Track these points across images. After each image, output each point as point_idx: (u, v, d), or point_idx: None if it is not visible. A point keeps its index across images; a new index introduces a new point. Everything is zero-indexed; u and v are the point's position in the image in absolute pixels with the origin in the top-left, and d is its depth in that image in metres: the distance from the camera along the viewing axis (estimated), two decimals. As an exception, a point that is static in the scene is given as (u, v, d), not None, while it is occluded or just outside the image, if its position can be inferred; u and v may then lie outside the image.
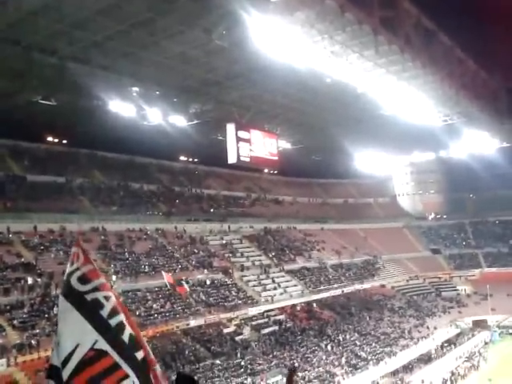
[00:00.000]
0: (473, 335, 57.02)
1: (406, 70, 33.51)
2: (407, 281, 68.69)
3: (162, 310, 35.74)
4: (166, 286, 37.60)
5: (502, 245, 73.65)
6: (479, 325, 60.16)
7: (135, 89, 36.57)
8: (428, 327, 55.54)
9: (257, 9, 22.84)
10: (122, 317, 3.59)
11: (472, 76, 43.10)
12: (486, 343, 54.53)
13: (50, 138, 48.97)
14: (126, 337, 3.54)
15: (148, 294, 36.87)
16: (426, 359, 48.09)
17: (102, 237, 40.88)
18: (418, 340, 51.04)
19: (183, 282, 37.96)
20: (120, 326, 3.55)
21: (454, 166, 73.30)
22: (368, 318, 54.41)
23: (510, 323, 59.54)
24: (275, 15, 23.70)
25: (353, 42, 28.87)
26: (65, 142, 49.82)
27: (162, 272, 37.86)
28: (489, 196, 78.75)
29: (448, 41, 36.46)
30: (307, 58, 29.27)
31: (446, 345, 52.71)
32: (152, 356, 3.63)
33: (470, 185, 78.96)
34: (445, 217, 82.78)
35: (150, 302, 35.88)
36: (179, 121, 42.77)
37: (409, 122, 46.39)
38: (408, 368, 44.97)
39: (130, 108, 38.80)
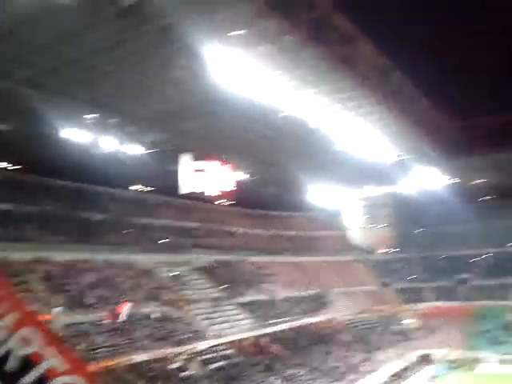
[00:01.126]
0: (419, 369, 57.46)
1: (361, 106, 34.29)
2: (357, 314, 68.89)
3: (106, 344, 34.21)
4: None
5: (448, 279, 75.31)
6: (425, 359, 60.78)
7: (90, 116, 35.73)
8: (375, 361, 55.63)
9: (216, 42, 22.73)
10: None
11: (424, 113, 44.56)
12: (431, 377, 55.06)
13: (-1, 164, 47.08)
14: None
15: (92, 327, 35.28)
16: (374, 394, 47.97)
17: (47, 267, 39.09)
18: (366, 374, 50.93)
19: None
20: None
21: (404, 201, 75.12)
22: (317, 352, 53.99)
23: (455, 357, 60.50)
24: (235, 48, 23.67)
25: (311, 78, 29.25)
26: (13, 167, 47.94)
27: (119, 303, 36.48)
28: (437, 231, 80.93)
29: (402, 78, 37.65)
30: (266, 91, 29.39)
31: (393, 379, 52.78)
32: None
33: (420, 220, 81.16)
34: (394, 251, 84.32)
35: (93, 336, 34.30)
36: (133, 149, 42.00)
37: (361, 157, 47.26)
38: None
39: (83, 135, 37.84)
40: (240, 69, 25.53)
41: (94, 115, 35.64)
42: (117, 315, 36.10)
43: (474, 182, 68.06)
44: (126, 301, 37.06)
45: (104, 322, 36.40)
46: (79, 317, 35.54)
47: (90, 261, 43.27)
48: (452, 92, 46.98)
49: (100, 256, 44.67)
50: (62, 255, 41.30)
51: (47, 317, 33.21)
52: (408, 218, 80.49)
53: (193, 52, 23.99)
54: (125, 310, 36.31)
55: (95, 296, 38.66)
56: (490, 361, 58.59)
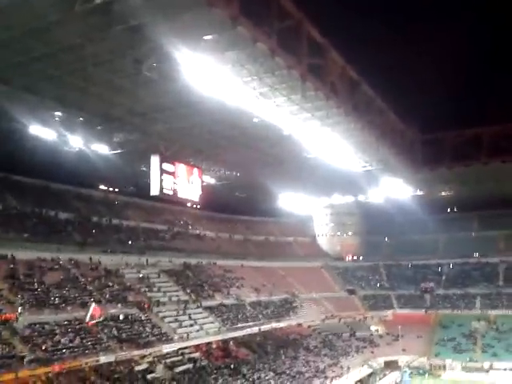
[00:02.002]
0: (384, 375, 58.47)
1: (329, 117, 34.85)
2: (323, 320, 69.62)
3: (71, 344, 33.80)
4: (77, 320, 35.88)
5: (413, 287, 77.00)
6: (390, 365, 61.86)
7: (58, 113, 35.41)
8: (342, 367, 56.35)
9: (187, 46, 22.99)
10: None
11: (391, 126, 45.59)
12: (396, 383, 55.95)
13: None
14: None
15: (56, 327, 34.86)
16: (338, 399, 48.58)
17: (11, 265, 38.53)
18: (332, 379, 51.55)
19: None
20: None
21: (372, 210, 76.46)
22: (284, 357, 54.45)
23: (420, 364, 61.72)
24: (206, 53, 23.96)
25: (281, 86, 29.72)
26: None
27: (93, 304, 36.19)
28: (402, 240, 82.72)
29: (370, 91, 38.49)
30: (236, 96, 29.75)
31: (359, 384, 53.64)
32: None
33: (386, 229, 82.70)
34: (361, 258, 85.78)
35: (57, 336, 33.89)
36: (102, 149, 41.77)
37: (330, 165, 47.96)
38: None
39: (50, 132, 37.48)
40: (211, 73, 25.80)
41: (62, 113, 35.31)
42: (92, 317, 35.84)
43: (438, 194, 69.68)
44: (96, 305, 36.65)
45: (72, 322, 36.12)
46: (44, 316, 35.13)
47: (55, 260, 42.82)
48: (419, 106, 48.29)
49: (65, 255, 44.22)
50: (26, 253, 40.74)
51: (10, 316, 32.85)
52: (375, 227, 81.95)
53: (164, 54, 24.15)
54: (98, 313, 36.08)
55: (60, 296, 38.25)
56: (455, 368, 60.01)
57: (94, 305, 36.05)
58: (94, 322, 36.05)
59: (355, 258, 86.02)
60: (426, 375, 59.79)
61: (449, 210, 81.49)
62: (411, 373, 59.61)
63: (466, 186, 63.93)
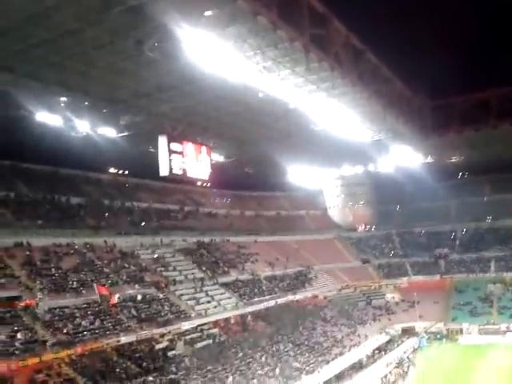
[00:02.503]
0: (402, 342, 58.92)
1: (335, 87, 34.52)
2: (339, 290, 70.20)
3: (92, 326, 34.37)
4: (96, 302, 36.48)
5: (427, 254, 77.04)
6: (408, 331, 62.38)
7: (63, 99, 35.39)
8: (359, 335, 56.94)
9: (189, 22, 22.78)
10: None
11: (398, 94, 45.08)
12: (414, 349, 56.42)
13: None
14: None
15: (76, 310, 35.42)
16: (357, 367, 49.07)
17: (27, 252, 39.00)
18: (350, 348, 52.13)
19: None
20: None
21: (382, 180, 76.16)
22: (301, 328, 54.99)
23: (437, 329, 62.16)
24: (207, 29, 23.74)
25: (284, 59, 29.41)
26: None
27: (94, 285, 36.79)
28: (414, 208, 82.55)
29: (375, 60, 37.98)
30: (240, 72, 29.50)
31: (376, 352, 54.11)
32: None
33: (397, 197, 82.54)
34: (373, 228, 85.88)
35: (78, 319, 34.48)
36: (109, 132, 41.80)
37: (339, 136, 47.68)
38: (341, 376, 45.70)
39: (57, 118, 37.52)
40: (213, 49, 25.58)
41: (67, 98, 35.27)
42: (106, 297, 36.58)
43: (448, 160, 69.18)
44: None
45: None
46: (63, 301, 35.69)
47: (70, 244, 43.32)
48: (426, 72, 47.56)
49: (80, 240, 44.70)
50: (41, 240, 41.23)
51: (31, 302, 33.44)
52: (386, 196, 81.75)
53: (165, 32, 23.97)
54: (107, 290, 36.81)
55: (78, 279, 38.78)
56: (472, 332, 60.35)
57: (95, 285, 36.72)
58: (115, 300, 36.79)
59: (367, 227, 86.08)
60: (444, 340, 60.28)
61: (459, 175, 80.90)
62: (428, 338, 60.12)
63: (476, 150, 63.34)
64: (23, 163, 49.75)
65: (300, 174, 76.01)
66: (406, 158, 61.27)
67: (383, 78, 40.72)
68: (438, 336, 61.15)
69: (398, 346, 57.34)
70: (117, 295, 37.47)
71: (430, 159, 64.71)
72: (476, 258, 72.96)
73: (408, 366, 48.91)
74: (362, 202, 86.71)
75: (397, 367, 48.68)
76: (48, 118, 37.19)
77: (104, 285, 37.97)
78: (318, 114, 40.33)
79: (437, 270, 73.91)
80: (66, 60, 29.16)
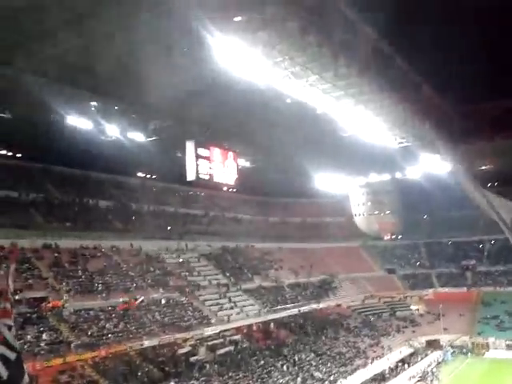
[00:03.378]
0: (426, 355, 57.95)
1: (363, 93, 34.14)
2: (363, 300, 69.45)
3: (115, 329, 34.80)
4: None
5: (453, 265, 75.63)
6: (432, 344, 61.29)
7: (93, 103, 35.91)
8: (383, 347, 56.20)
9: (218, 28, 22.85)
10: None
11: (427, 100, 44.35)
12: (438, 363, 55.45)
13: (3, 152, 47.40)
14: None
15: (101, 313, 35.91)
16: (380, 379, 48.40)
17: (55, 254, 39.69)
18: (373, 359, 51.47)
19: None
20: None
21: (409, 188, 75.05)
22: (324, 338, 54.55)
23: (462, 343, 60.91)
24: (236, 35, 23.77)
25: (313, 64, 29.19)
26: (19, 155, 48.36)
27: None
28: (442, 217, 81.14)
29: (404, 65, 37.48)
30: (268, 77, 29.46)
31: (399, 364, 53.28)
32: None
33: (424, 206, 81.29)
34: (400, 237, 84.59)
35: (102, 322, 34.90)
36: (138, 137, 42.24)
37: (366, 143, 47.21)
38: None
39: (87, 123, 38.07)
40: (242, 55, 25.60)
41: (98, 102, 35.78)
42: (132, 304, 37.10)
43: (477, 169, 67.83)
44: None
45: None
46: (89, 303, 36.11)
47: (97, 247, 43.82)
48: (455, 78, 46.74)
49: (107, 243, 45.21)
50: (69, 242, 41.85)
51: (57, 303, 33.89)
52: (413, 205, 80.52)
53: (195, 38, 24.07)
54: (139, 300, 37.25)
55: (104, 282, 39.20)
56: (498, 346, 59.00)
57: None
58: (136, 303, 37.15)
59: (394, 236, 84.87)
60: (469, 354, 59.05)
61: (489, 184, 79.26)
62: (454, 352, 58.99)
63: (506, 158, 62.03)
64: (54, 166, 50.70)
65: (326, 181, 75.64)
66: (433, 165, 60.29)
67: (412, 83, 40.08)
68: (464, 350, 59.95)
69: (421, 359, 56.38)
70: (141, 297, 37.74)
71: (458, 167, 63.52)
72: (504, 271, 71.28)
73: (431, 380, 48.05)
74: (388, 211, 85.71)
75: (420, 381, 47.87)
76: (78, 121, 37.75)
77: (125, 302, 38.07)
78: (345, 121, 39.96)
79: (463, 282, 72.50)
80: (98, 65, 29.55)
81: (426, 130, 45.45)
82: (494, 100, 49.12)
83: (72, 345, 30.76)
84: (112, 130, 40.06)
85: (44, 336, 30.24)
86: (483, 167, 66.89)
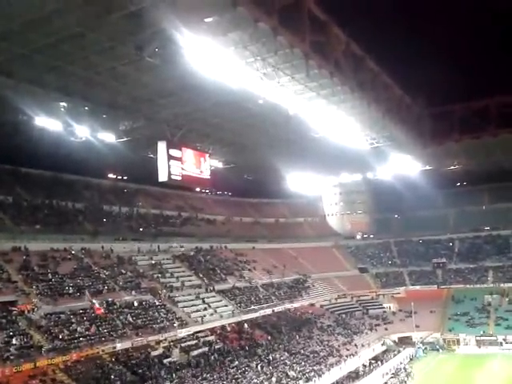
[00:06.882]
0: (398, 352, 58.93)
1: (335, 94, 34.50)
2: (336, 299, 70.11)
3: (87, 333, 34.24)
4: (91, 309, 36.34)
5: (424, 263, 76.91)
6: (404, 341, 62.32)
7: (63, 104, 35.28)
8: (356, 345, 56.73)
9: (189, 28, 22.74)
10: None
11: (397, 101, 45.08)
12: (411, 359, 56.38)
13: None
14: None
15: (72, 316, 35.21)
16: (353, 376, 48.93)
17: (24, 257, 38.88)
18: (347, 358, 51.91)
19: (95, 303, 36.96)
20: None
21: (380, 188, 76.23)
22: (298, 337, 54.76)
23: (433, 339, 62.03)
24: (208, 35, 23.71)
25: (284, 65, 29.37)
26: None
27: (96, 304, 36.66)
28: (413, 216, 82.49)
29: (375, 67, 37.99)
30: (240, 78, 29.47)
31: (373, 362, 53.98)
32: None
33: (396, 205, 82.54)
34: (372, 236, 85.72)
35: (74, 325, 34.28)
36: (108, 137, 41.70)
37: (338, 144, 47.65)
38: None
39: (56, 123, 37.40)
40: (213, 56, 25.54)
41: (66, 103, 35.14)
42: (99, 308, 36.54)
43: (447, 169, 69.12)
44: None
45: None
46: (59, 306, 35.49)
47: (68, 250, 43.14)
48: (425, 80, 47.64)
49: (77, 245, 44.53)
50: (38, 245, 41.11)
51: (27, 306, 33.23)
52: (384, 204, 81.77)
53: (166, 38, 23.92)
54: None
55: (74, 285, 38.59)
56: (469, 342, 60.26)
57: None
58: (101, 310, 36.66)
59: (366, 236, 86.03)
60: (440, 350, 60.19)
61: (458, 184, 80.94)
62: (425, 348, 60.04)
63: (475, 158, 63.36)
64: (23, 168, 49.72)
65: (299, 181, 76.07)
66: (404, 165, 61.24)
67: (383, 85, 40.75)
68: (435, 346, 61.08)
69: (394, 356, 57.24)
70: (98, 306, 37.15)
71: (428, 167, 64.65)
72: (474, 268, 72.88)
73: (404, 377, 48.72)
74: (360, 210, 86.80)
75: (393, 377, 48.51)
76: (48, 122, 37.07)
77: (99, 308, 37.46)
78: (317, 121, 40.29)
79: (434, 280, 73.91)
80: (67, 65, 29.08)
81: (396, 130, 46.20)
82: (463, 101, 50.23)
83: (43, 349, 30.17)
84: (82, 131, 39.45)
85: (14, 341, 29.59)
86: (452, 167, 68.22)
